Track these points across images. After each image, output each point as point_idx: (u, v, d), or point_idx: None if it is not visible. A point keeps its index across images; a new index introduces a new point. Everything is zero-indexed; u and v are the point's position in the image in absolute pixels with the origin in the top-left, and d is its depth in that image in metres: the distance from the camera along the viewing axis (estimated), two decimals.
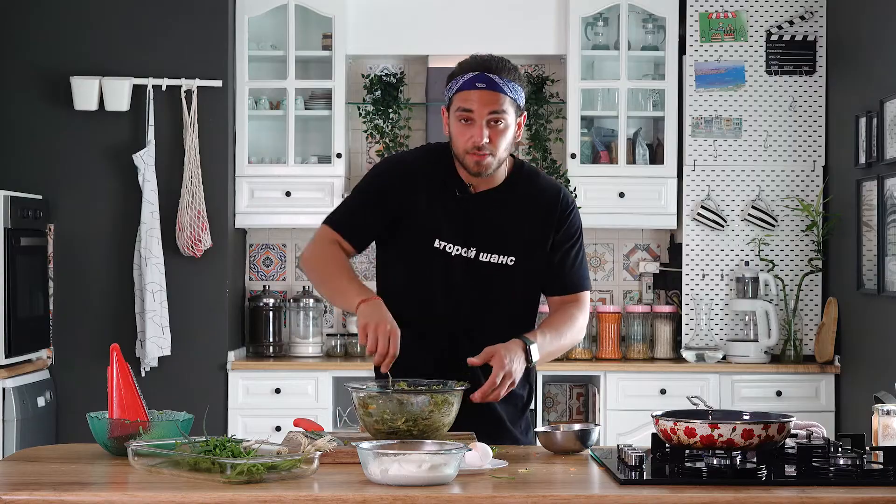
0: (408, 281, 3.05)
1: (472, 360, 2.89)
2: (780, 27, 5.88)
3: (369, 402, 2.75)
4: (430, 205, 3.03)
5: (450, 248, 3.02)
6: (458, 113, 2.97)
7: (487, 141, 2.96)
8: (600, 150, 6.06)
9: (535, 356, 2.94)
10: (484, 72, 2.96)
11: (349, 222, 3.09)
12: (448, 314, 3.04)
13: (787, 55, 5.89)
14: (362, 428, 2.84)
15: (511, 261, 3.06)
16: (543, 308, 3.18)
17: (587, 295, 3.16)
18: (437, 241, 3.02)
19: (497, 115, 2.96)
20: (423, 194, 3.04)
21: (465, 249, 3.03)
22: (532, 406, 3.28)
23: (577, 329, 3.10)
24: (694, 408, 2.69)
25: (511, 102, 2.98)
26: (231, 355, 5.77)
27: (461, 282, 3.04)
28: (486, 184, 3.06)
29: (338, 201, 5.87)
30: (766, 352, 5.79)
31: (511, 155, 3.11)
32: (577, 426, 2.87)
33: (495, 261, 3.05)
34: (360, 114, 6.09)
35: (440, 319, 3.04)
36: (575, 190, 5.90)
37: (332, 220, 3.11)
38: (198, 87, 5.75)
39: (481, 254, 3.04)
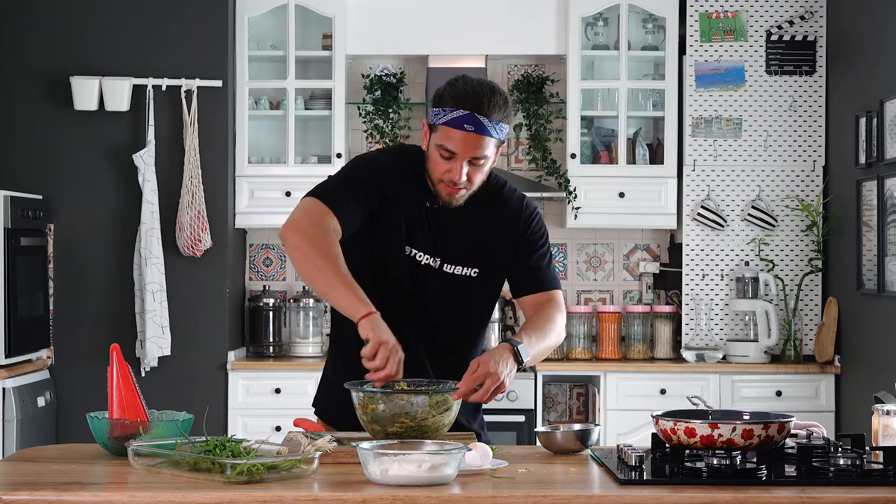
0: (375, 283, 2.96)
1: (463, 387, 2.81)
2: (780, 27, 5.88)
3: (369, 402, 2.75)
4: (403, 210, 2.99)
5: (419, 255, 3.01)
6: (440, 149, 2.91)
7: (465, 179, 2.93)
8: (600, 150, 6.06)
9: (525, 356, 2.91)
10: (474, 112, 2.87)
11: (340, 202, 2.92)
12: (411, 318, 3.01)
13: (787, 55, 5.89)
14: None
15: (475, 272, 3.05)
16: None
17: (560, 294, 3.14)
18: (408, 247, 3.00)
19: (478, 158, 2.91)
20: (400, 198, 3.00)
21: (432, 259, 3.02)
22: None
23: (558, 329, 3.07)
24: (694, 408, 2.70)
25: (495, 142, 2.92)
26: (231, 355, 5.78)
27: (426, 290, 3.03)
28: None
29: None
30: (766, 352, 5.79)
31: None
32: (577, 426, 2.87)
33: (459, 272, 3.04)
34: (360, 114, 6.09)
35: (402, 322, 2.98)
36: (575, 190, 5.91)
37: (323, 194, 2.93)
38: (198, 87, 5.75)
39: (446, 264, 3.03)
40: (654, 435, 2.63)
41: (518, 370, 2.92)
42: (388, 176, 3.00)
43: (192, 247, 5.66)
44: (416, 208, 3.01)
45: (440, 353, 3.03)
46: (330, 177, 3.03)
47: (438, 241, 3.02)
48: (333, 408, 3.09)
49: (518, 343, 2.91)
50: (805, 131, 5.90)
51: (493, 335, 5.82)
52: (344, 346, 3.06)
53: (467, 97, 2.88)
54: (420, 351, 3.00)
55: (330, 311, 3.20)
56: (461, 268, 3.04)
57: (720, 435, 2.45)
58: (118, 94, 5.67)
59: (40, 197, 5.67)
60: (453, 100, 2.89)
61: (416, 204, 3.01)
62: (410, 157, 3.06)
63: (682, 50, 5.96)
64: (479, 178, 2.97)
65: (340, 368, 3.08)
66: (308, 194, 2.95)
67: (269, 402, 5.72)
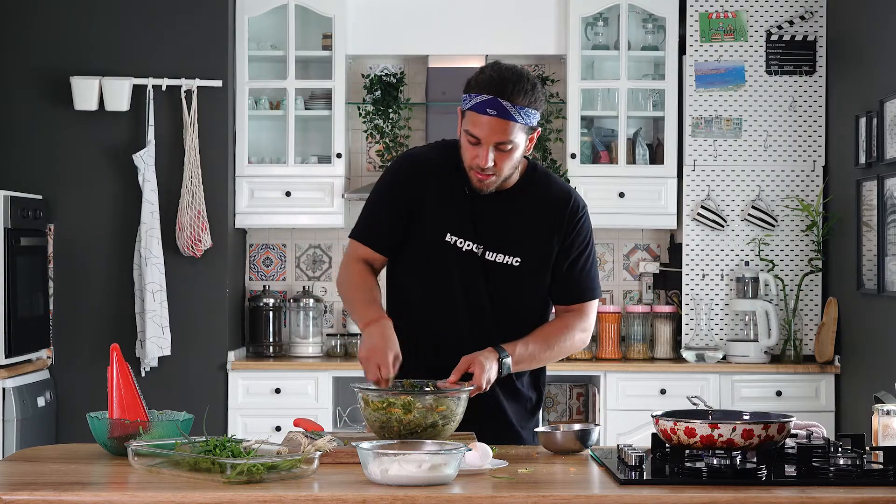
0: (418, 271, 3.06)
1: (452, 379, 2.88)
2: (780, 27, 5.88)
3: (376, 402, 2.75)
4: (440, 200, 3.03)
5: (460, 242, 3.02)
6: (466, 134, 2.94)
7: (492, 164, 2.94)
8: (600, 150, 6.06)
9: (506, 371, 2.95)
10: (497, 97, 2.88)
11: (371, 232, 3.10)
12: (466, 309, 3.04)
13: (787, 55, 5.89)
14: (369, 428, 2.84)
15: (517, 262, 3.05)
16: None
17: (593, 304, 3.13)
18: (448, 234, 3.03)
19: (504, 143, 2.92)
20: (434, 189, 3.04)
21: (474, 245, 3.04)
22: (541, 408, 3.27)
23: (570, 339, 3.08)
24: (694, 408, 2.70)
25: (522, 127, 2.92)
26: (231, 355, 5.77)
27: (470, 276, 3.04)
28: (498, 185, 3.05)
29: (338, 201, 5.88)
30: (766, 352, 5.79)
31: (525, 157, 3.08)
32: (577, 426, 2.87)
33: (500, 260, 3.05)
34: (360, 114, 6.09)
35: (456, 314, 3.03)
36: (575, 190, 5.90)
37: (356, 233, 3.14)
38: (198, 87, 5.75)
39: (487, 252, 3.04)
40: (654, 435, 2.63)
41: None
42: (426, 170, 3.06)
43: (192, 247, 5.66)
44: (455, 197, 3.03)
45: (489, 342, 3.00)
46: (365, 204, 3.17)
47: (480, 229, 3.04)
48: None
49: (505, 355, 2.95)
50: (805, 131, 5.90)
51: None
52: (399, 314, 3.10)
53: (492, 82, 2.90)
54: (466, 340, 3.01)
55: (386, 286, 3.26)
56: (503, 256, 3.05)
57: (720, 435, 2.44)
58: (118, 94, 5.67)
59: (40, 197, 5.67)
60: (478, 85, 2.92)
61: (455, 192, 3.03)
62: (447, 148, 3.10)
63: (682, 50, 5.96)
64: (509, 165, 2.97)
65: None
66: (349, 236, 3.18)
67: (269, 402, 5.72)
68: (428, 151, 3.16)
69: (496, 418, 3.05)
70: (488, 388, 2.92)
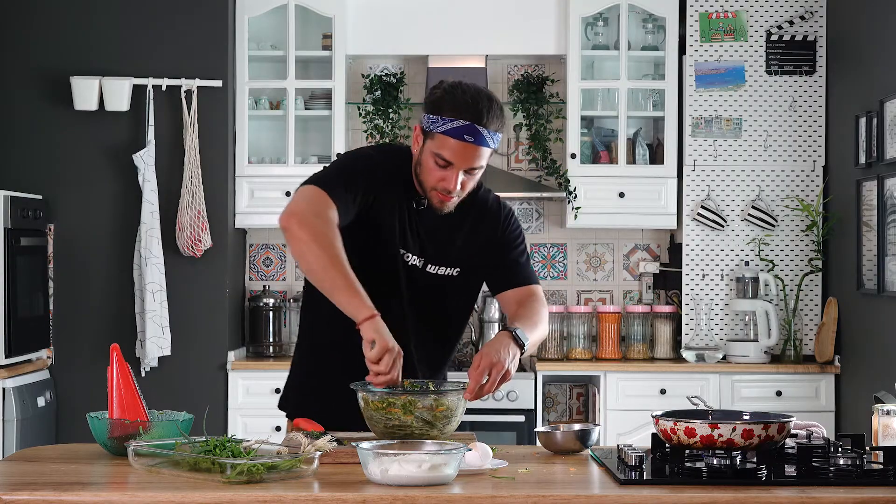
0: (362, 280, 2.87)
1: (472, 383, 2.80)
2: (780, 27, 5.88)
3: (376, 402, 2.75)
4: (393, 209, 2.99)
5: (407, 256, 3.02)
6: (436, 156, 2.89)
7: (458, 187, 2.93)
8: (600, 150, 6.06)
9: (525, 339, 2.89)
10: (474, 123, 2.85)
11: (341, 192, 2.88)
12: (400, 319, 3.00)
13: (787, 55, 5.89)
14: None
15: (456, 272, 3.08)
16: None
17: (541, 289, 3.14)
18: (401, 249, 3.01)
19: (475, 168, 2.93)
20: (389, 197, 2.99)
21: (417, 259, 3.04)
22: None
23: (544, 319, 3.07)
24: (694, 408, 2.70)
25: (490, 152, 2.93)
26: (231, 355, 5.77)
27: (413, 290, 3.04)
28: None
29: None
30: (766, 352, 5.79)
31: None
32: (577, 426, 2.87)
33: (441, 272, 3.06)
34: (360, 114, 6.09)
35: (402, 322, 2.99)
36: (575, 190, 5.91)
37: (325, 183, 2.88)
38: (198, 87, 5.75)
39: (429, 265, 3.05)
40: (654, 435, 2.63)
41: (521, 355, 2.93)
42: (382, 175, 3.00)
43: (192, 247, 5.66)
44: (405, 209, 3.02)
45: (426, 350, 3.04)
46: (326, 167, 3.00)
47: (424, 242, 3.04)
48: (311, 401, 3.07)
49: (516, 328, 2.90)
50: (805, 131, 5.90)
51: (492, 333, 5.82)
52: (318, 332, 3.05)
53: (467, 107, 2.86)
54: (410, 347, 3.00)
55: (303, 301, 3.17)
56: (444, 268, 3.06)
57: (720, 435, 2.45)
58: (118, 94, 5.67)
59: (40, 197, 5.67)
60: (452, 109, 2.87)
61: (404, 204, 3.02)
62: (398, 156, 3.05)
63: (682, 50, 5.96)
64: (471, 186, 2.98)
65: (312, 358, 3.08)
66: (307, 182, 2.91)
67: (269, 402, 5.71)
68: (380, 156, 3.06)
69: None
70: (515, 370, 2.87)
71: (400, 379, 2.77)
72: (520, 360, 2.93)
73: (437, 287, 3.06)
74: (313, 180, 2.90)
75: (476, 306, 3.25)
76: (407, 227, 3.01)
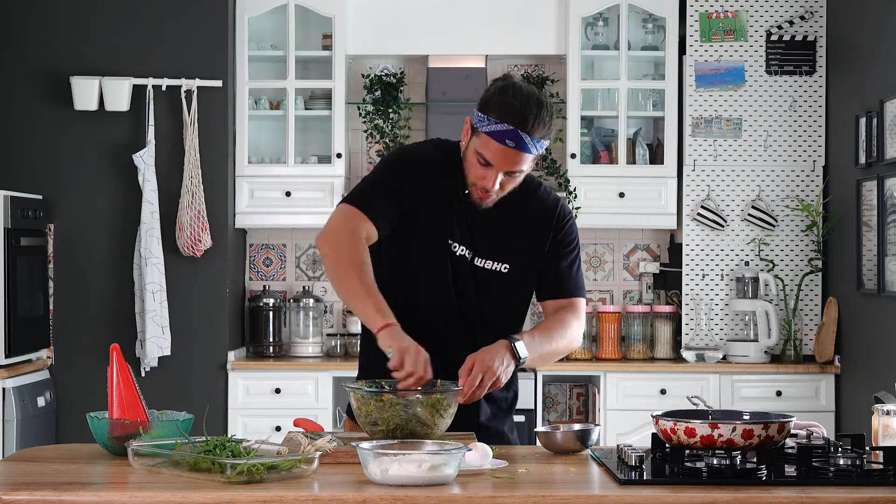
0: (416, 277, 2.99)
1: (463, 383, 2.81)
2: (780, 27, 5.88)
3: (369, 402, 2.75)
4: (441, 204, 3.01)
5: (455, 246, 3.02)
6: (478, 155, 2.90)
7: (498, 187, 2.94)
8: (600, 150, 6.06)
9: (523, 353, 2.89)
10: (518, 128, 2.84)
11: (375, 206, 2.95)
12: (450, 313, 3.03)
13: (787, 55, 5.89)
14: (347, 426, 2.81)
15: (505, 268, 3.05)
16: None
17: (583, 302, 3.12)
18: (449, 240, 3.01)
19: (515, 172, 2.92)
20: (431, 190, 3.01)
21: (466, 250, 3.03)
22: (517, 405, 3.24)
23: (570, 334, 3.05)
24: (694, 408, 2.69)
25: (533, 157, 2.92)
26: (231, 355, 5.78)
27: (463, 283, 3.03)
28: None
29: (338, 201, 5.87)
30: (766, 352, 5.79)
31: None
32: (577, 426, 2.87)
33: (489, 266, 3.04)
34: (360, 114, 6.09)
35: (442, 317, 3.02)
36: (575, 190, 5.91)
37: (358, 200, 2.96)
38: (198, 87, 5.75)
39: (476, 258, 3.04)
40: (654, 435, 2.63)
41: (517, 368, 2.92)
42: (424, 169, 3.02)
43: (192, 247, 5.66)
44: (451, 200, 3.01)
45: (473, 346, 2.95)
46: (364, 178, 3.05)
47: (474, 233, 3.03)
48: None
49: (515, 341, 2.90)
50: (805, 131, 5.90)
51: None
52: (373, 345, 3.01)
53: (514, 112, 2.84)
54: (448, 345, 2.97)
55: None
56: (492, 262, 3.04)
57: (720, 435, 2.44)
58: (118, 94, 5.67)
59: (40, 197, 5.67)
60: (499, 110, 2.86)
61: (451, 196, 3.01)
62: (445, 149, 3.06)
63: (682, 50, 5.96)
64: (511, 187, 2.97)
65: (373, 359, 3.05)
66: (343, 200, 2.99)
67: (269, 402, 5.72)
68: (425, 149, 3.10)
69: (471, 420, 3.01)
70: (506, 378, 2.87)
71: (430, 374, 2.76)
72: (516, 370, 2.92)
73: (487, 282, 3.04)
74: (348, 197, 2.99)
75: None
76: (455, 219, 3.01)
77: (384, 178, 3.02)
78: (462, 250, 3.02)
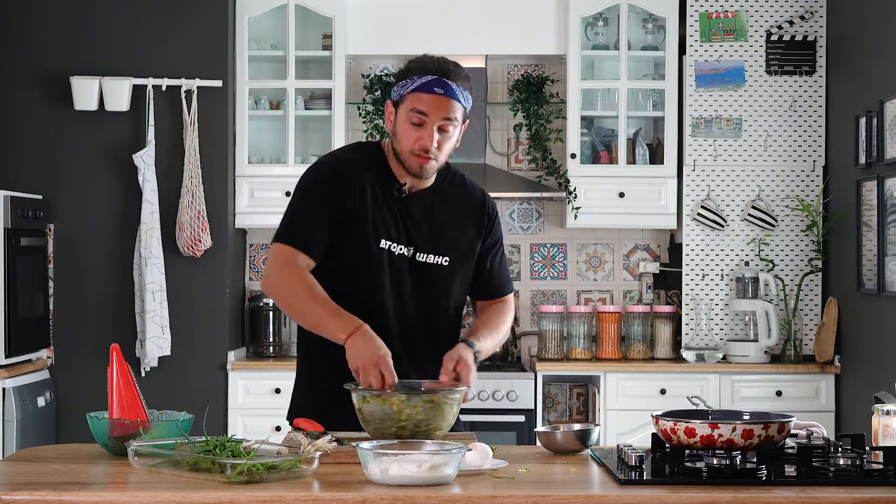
0: (354, 279, 3.03)
1: (444, 379, 2.90)
2: (780, 27, 5.88)
3: (369, 402, 2.75)
4: (373, 204, 3.03)
5: (394, 247, 3.04)
6: (410, 114, 2.99)
7: (435, 146, 2.98)
8: (600, 150, 6.06)
9: (479, 357, 3.02)
10: (442, 77, 3.00)
11: (303, 235, 3.01)
12: (394, 312, 3.05)
13: (787, 55, 5.89)
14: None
15: (445, 261, 3.10)
16: None
17: (512, 296, 3.27)
18: (383, 240, 3.03)
19: (448, 121, 2.99)
20: (366, 193, 3.03)
21: (406, 249, 3.05)
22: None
23: (507, 326, 3.20)
24: (694, 408, 2.70)
25: (461, 110, 3.02)
26: (231, 355, 5.78)
27: (404, 281, 3.06)
28: (419, 184, 3.09)
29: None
30: (766, 352, 5.79)
31: None
32: (577, 426, 2.87)
33: (431, 261, 3.08)
34: (360, 114, 6.09)
35: (386, 318, 3.04)
36: (575, 190, 5.91)
37: (286, 236, 3.03)
38: (198, 87, 5.75)
39: (418, 253, 3.07)
40: (654, 435, 2.63)
41: None
42: (351, 173, 3.05)
43: (192, 247, 5.66)
44: (385, 199, 3.05)
45: (416, 343, 3.06)
46: (289, 203, 3.10)
47: (411, 231, 3.06)
48: (315, 404, 3.07)
49: (476, 347, 3.00)
50: (805, 131, 5.90)
51: None
52: (316, 357, 3.11)
53: (433, 64, 3.03)
54: (396, 342, 3.01)
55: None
56: (433, 256, 3.09)
57: (720, 435, 2.45)
58: (118, 94, 5.67)
59: (40, 197, 5.67)
60: (420, 69, 3.03)
61: (384, 195, 3.05)
62: (370, 150, 3.13)
63: (682, 50, 5.96)
64: (447, 148, 3.04)
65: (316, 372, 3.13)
66: (274, 239, 3.06)
67: (269, 402, 5.71)
68: (350, 154, 3.15)
69: None
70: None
71: (395, 380, 2.80)
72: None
73: (429, 277, 3.08)
74: (276, 236, 3.06)
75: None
76: (390, 218, 3.05)
77: (310, 198, 3.06)
78: (401, 249, 3.04)
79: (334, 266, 3.04)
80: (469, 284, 3.19)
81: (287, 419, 3.14)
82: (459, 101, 3.00)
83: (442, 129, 2.99)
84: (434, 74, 3.00)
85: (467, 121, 3.07)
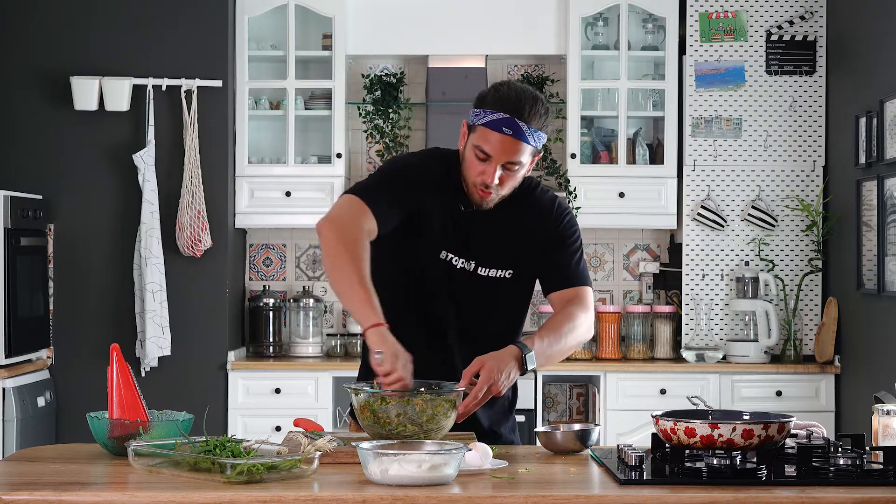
0: (410, 287, 3.01)
1: (463, 384, 2.82)
2: (780, 27, 5.88)
3: (371, 403, 2.75)
4: (438, 214, 3.00)
5: (455, 260, 3.01)
6: (475, 149, 2.92)
7: (497, 183, 2.93)
8: (600, 150, 6.06)
9: (531, 365, 2.89)
10: (514, 117, 2.88)
11: (380, 203, 2.92)
12: (448, 323, 3.03)
13: (787, 55, 5.90)
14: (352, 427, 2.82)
15: (509, 274, 3.05)
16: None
17: (589, 291, 3.10)
18: (443, 251, 3.01)
19: (513, 164, 2.92)
20: (434, 202, 3.00)
21: (466, 262, 3.03)
22: (517, 405, 3.25)
23: (579, 328, 3.03)
24: (694, 408, 2.69)
25: (530, 150, 2.93)
26: (231, 355, 5.77)
27: (462, 293, 3.03)
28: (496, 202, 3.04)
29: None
30: (766, 352, 5.79)
31: None
32: (577, 426, 2.87)
33: (493, 275, 3.04)
34: (360, 114, 6.09)
35: (440, 328, 3.02)
36: (575, 190, 5.91)
37: (364, 194, 2.94)
38: (198, 87, 5.75)
39: (480, 268, 3.03)
40: (654, 435, 2.63)
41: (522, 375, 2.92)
42: (428, 180, 3.01)
43: (192, 247, 5.66)
44: (450, 212, 3.01)
45: (473, 355, 2.94)
46: (370, 175, 3.05)
47: (473, 245, 3.02)
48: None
49: (528, 351, 2.89)
50: (805, 131, 5.90)
51: None
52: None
53: (509, 101, 2.89)
54: (454, 353, 3.00)
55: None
56: (495, 270, 3.04)
57: (720, 435, 2.44)
58: (118, 94, 5.67)
59: (40, 197, 5.67)
60: (494, 102, 2.90)
61: (450, 208, 3.01)
62: (444, 161, 3.06)
63: (682, 50, 5.96)
64: (511, 184, 2.97)
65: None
66: (347, 191, 2.97)
67: (269, 402, 5.72)
68: (424, 161, 3.08)
69: (471, 420, 3.00)
70: (504, 391, 2.86)
71: (412, 382, 2.76)
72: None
73: (490, 290, 3.04)
74: (353, 189, 2.97)
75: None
76: (454, 231, 3.01)
77: (392, 179, 3.01)
78: (462, 263, 3.02)
79: (396, 268, 3.02)
80: (530, 297, 3.12)
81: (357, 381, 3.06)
82: (528, 143, 2.90)
83: (507, 167, 2.92)
84: (507, 112, 2.89)
85: (540, 152, 3.00)
